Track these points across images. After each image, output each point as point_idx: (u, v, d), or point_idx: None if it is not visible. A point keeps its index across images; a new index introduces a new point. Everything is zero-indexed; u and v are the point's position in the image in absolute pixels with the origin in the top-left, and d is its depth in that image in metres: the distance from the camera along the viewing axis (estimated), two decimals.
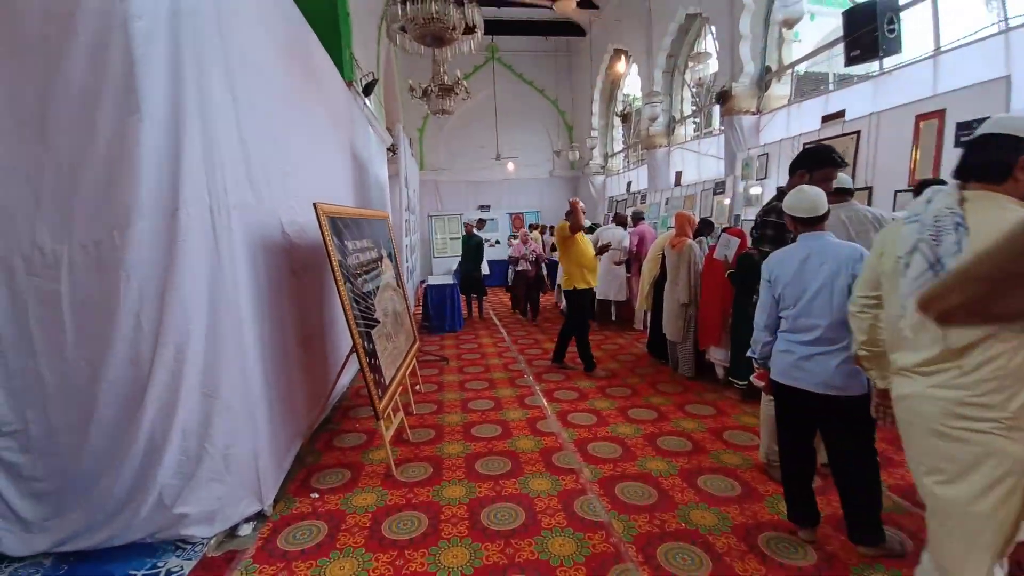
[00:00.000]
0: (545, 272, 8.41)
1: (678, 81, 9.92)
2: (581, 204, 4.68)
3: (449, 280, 7.28)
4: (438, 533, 2.35)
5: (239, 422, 2.36)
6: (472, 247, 7.66)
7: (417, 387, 4.45)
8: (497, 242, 13.51)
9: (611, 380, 4.60)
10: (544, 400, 4.15)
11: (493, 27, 11.94)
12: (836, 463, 2.13)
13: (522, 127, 13.80)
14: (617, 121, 13.07)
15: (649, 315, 5.46)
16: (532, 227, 10.43)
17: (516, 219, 14.12)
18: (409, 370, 4.08)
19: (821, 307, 2.04)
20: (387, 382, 3.13)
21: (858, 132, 4.79)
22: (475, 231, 8.00)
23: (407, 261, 5.43)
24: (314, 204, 2.58)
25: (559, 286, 6.28)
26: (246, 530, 2.40)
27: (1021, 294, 0.54)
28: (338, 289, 2.66)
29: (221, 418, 2.28)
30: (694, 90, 9.27)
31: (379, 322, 3.29)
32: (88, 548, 2.14)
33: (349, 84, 5.82)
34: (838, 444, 2.15)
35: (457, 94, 5.13)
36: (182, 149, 2.12)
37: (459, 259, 8.17)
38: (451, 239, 14.04)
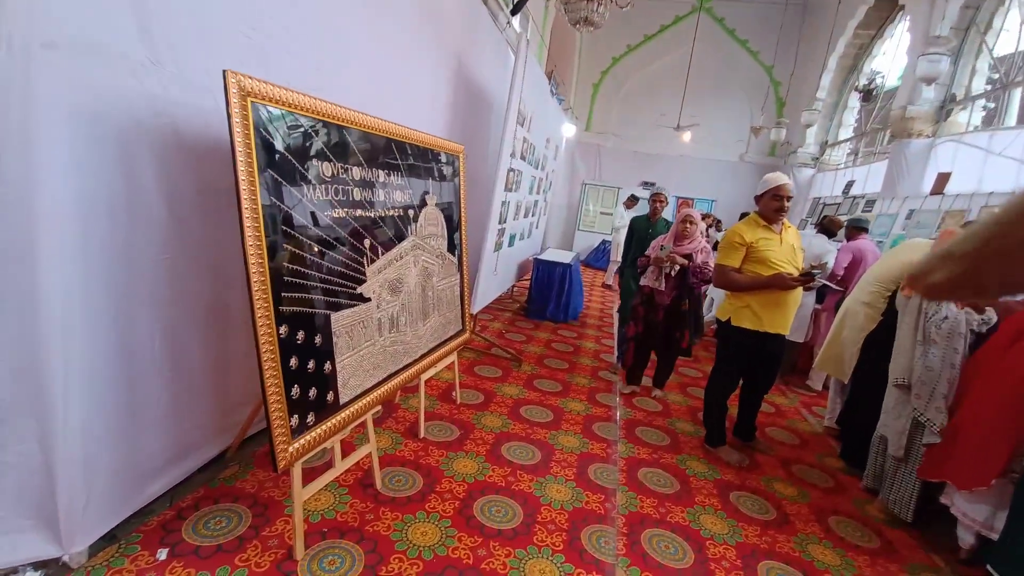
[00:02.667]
0: (707, 302, 5.20)
1: (972, 45, 6.66)
2: (790, 184, 2.70)
3: (566, 259, 5.85)
4: None
5: (16, 418, 1.38)
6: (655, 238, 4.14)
7: (453, 394, 3.23)
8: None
9: (744, 475, 2.80)
10: (619, 478, 2.59)
11: None
12: None
13: (717, 96, 11.27)
14: (853, 101, 9.78)
15: (846, 388, 3.38)
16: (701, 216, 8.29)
17: (683, 204, 11.81)
18: (440, 368, 2.89)
19: None
20: (340, 400, 1.93)
21: None
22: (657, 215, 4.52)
23: (501, 223, 4.16)
24: (224, 72, 1.42)
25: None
26: None
27: (999, 272, 0.56)
28: (242, 230, 1.48)
29: None
30: (993, 62, 6.10)
31: (365, 301, 2.08)
32: None
33: None
34: None
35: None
36: None
37: (610, 242, 4.85)
38: (602, 214, 12.43)
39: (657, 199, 4.56)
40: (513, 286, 6.14)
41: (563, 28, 9.55)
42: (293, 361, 1.68)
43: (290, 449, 1.65)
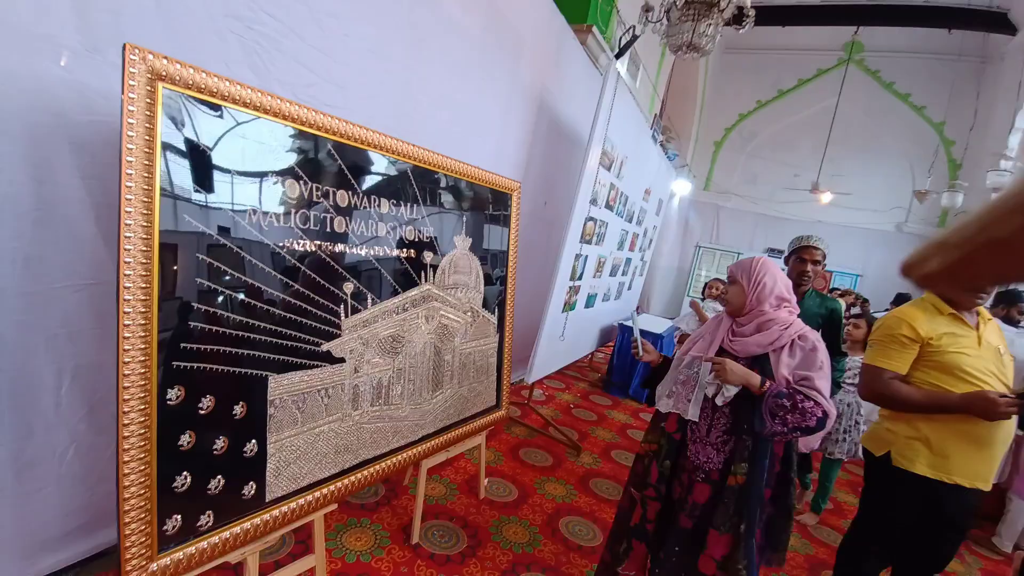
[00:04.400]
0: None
1: None
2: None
3: (658, 328, 4.98)
4: None
5: None
6: (827, 325, 2.57)
7: (483, 487, 2.58)
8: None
9: None
10: None
11: (860, 14, 8.48)
12: None
13: (867, 156, 9.72)
14: None
15: None
16: (840, 294, 6.83)
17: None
18: (467, 449, 2.30)
19: None
20: (267, 494, 1.42)
21: None
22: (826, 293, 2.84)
23: (574, 279, 3.55)
24: (124, 46, 1.08)
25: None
26: None
27: (994, 262, 0.55)
28: (119, 256, 1.10)
29: None
30: None
31: (336, 361, 1.60)
32: None
33: (587, 28, 4.29)
34: None
35: (725, 20, 2.82)
36: None
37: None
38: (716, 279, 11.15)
39: (808, 256, 2.52)
40: (592, 353, 5.39)
41: (683, 81, 8.99)
42: (187, 438, 1.22)
43: (152, 567, 1.16)
